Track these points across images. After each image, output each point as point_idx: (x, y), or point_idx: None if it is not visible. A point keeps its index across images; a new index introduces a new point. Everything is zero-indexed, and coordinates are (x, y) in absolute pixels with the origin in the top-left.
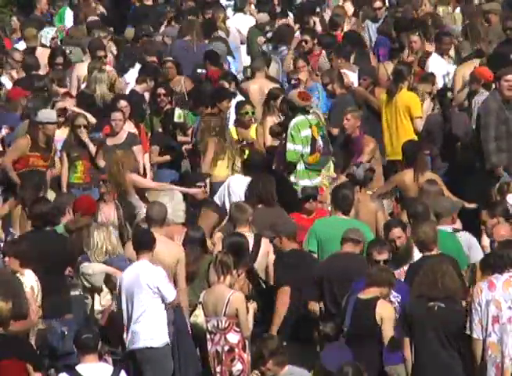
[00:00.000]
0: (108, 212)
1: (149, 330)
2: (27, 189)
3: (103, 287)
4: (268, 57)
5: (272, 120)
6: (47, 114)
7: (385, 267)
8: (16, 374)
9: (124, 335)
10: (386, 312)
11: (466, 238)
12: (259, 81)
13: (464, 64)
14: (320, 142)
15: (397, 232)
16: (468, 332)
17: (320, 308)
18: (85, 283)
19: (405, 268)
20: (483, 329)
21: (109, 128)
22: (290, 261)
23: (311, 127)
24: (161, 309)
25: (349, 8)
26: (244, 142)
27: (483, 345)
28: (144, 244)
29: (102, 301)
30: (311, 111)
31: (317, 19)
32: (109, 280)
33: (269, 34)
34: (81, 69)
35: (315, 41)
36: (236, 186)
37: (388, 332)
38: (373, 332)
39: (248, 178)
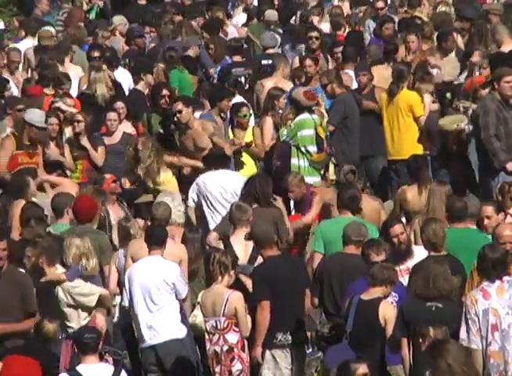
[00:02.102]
0: (116, 210)
1: (170, 323)
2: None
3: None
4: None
5: (272, 120)
6: (38, 117)
7: (387, 265)
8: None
9: (143, 331)
10: (389, 313)
11: None
12: (276, 79)
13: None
14: (325, 142)
15: (398, 228)
16: (464, 344)
17: (317, 307)
18: (71, 301)
19: (402, 267)
20: (482, 339)
21: (105, 127)
22: (267, 271)
23: (316, 127)
24: (176, 304)
25: (347, 7)
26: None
27: (484, 354)
28: (158, 239)
29: (82, 322)
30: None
31: (316, 19)
32: (102, 302)
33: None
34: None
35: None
36: (210, 184)
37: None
38: (376, 333)
39: (214, 173)
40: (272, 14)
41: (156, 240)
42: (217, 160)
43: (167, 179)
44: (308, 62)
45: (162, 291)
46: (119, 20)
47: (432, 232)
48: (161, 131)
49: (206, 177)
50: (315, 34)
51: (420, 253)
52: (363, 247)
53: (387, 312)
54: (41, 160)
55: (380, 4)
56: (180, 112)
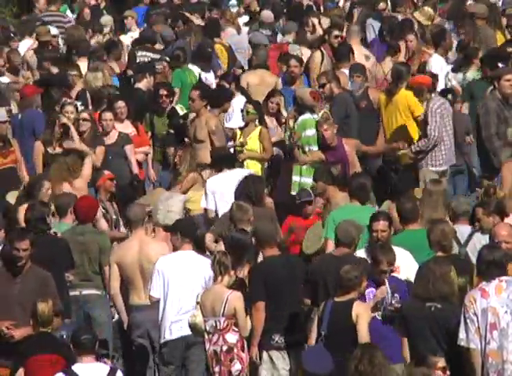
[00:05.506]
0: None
1: None
2: None
3: None
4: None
5: (269, 119)
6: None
7: (351, 267)
8: (57, 367)
9: (171, 323)
10: (361, 311)
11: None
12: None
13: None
14: None
15: (382, 225)
16: (463, 343)
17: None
18: None
19: None
20: (481, 338)
21: (101, 128)
22: (265, 271)
23: (317, 126)
24: None
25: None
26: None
27: (483, 353)
28: (188, 232)
29: None
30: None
31: (316, 20)
32: None
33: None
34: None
35: None
36: (216, 186)
37: (363, 330)
38: (351, 333)
39: (223, 174)
40: (268, 15)
41: (186, 233)
42: (225, 159)
43: (195, 198)
44: (293, 62)
45: (197, 285)
46: (108, 20)
47: (441, 232)
48: (170, 130)
49: (217, 178)
50: (337, 32)
51: (402, 254)
52: (375, 252)
53: (360, 309)
54: (20, 156)
55: (381, 5)
56: (193, 101)
